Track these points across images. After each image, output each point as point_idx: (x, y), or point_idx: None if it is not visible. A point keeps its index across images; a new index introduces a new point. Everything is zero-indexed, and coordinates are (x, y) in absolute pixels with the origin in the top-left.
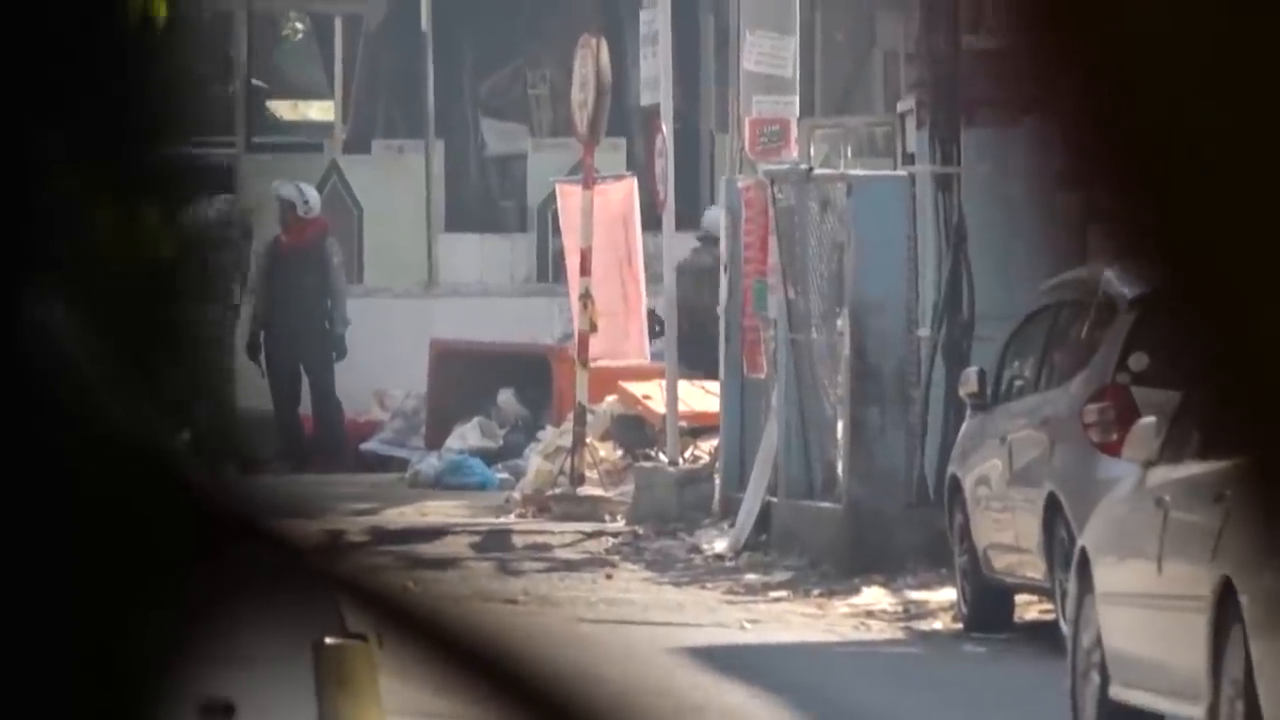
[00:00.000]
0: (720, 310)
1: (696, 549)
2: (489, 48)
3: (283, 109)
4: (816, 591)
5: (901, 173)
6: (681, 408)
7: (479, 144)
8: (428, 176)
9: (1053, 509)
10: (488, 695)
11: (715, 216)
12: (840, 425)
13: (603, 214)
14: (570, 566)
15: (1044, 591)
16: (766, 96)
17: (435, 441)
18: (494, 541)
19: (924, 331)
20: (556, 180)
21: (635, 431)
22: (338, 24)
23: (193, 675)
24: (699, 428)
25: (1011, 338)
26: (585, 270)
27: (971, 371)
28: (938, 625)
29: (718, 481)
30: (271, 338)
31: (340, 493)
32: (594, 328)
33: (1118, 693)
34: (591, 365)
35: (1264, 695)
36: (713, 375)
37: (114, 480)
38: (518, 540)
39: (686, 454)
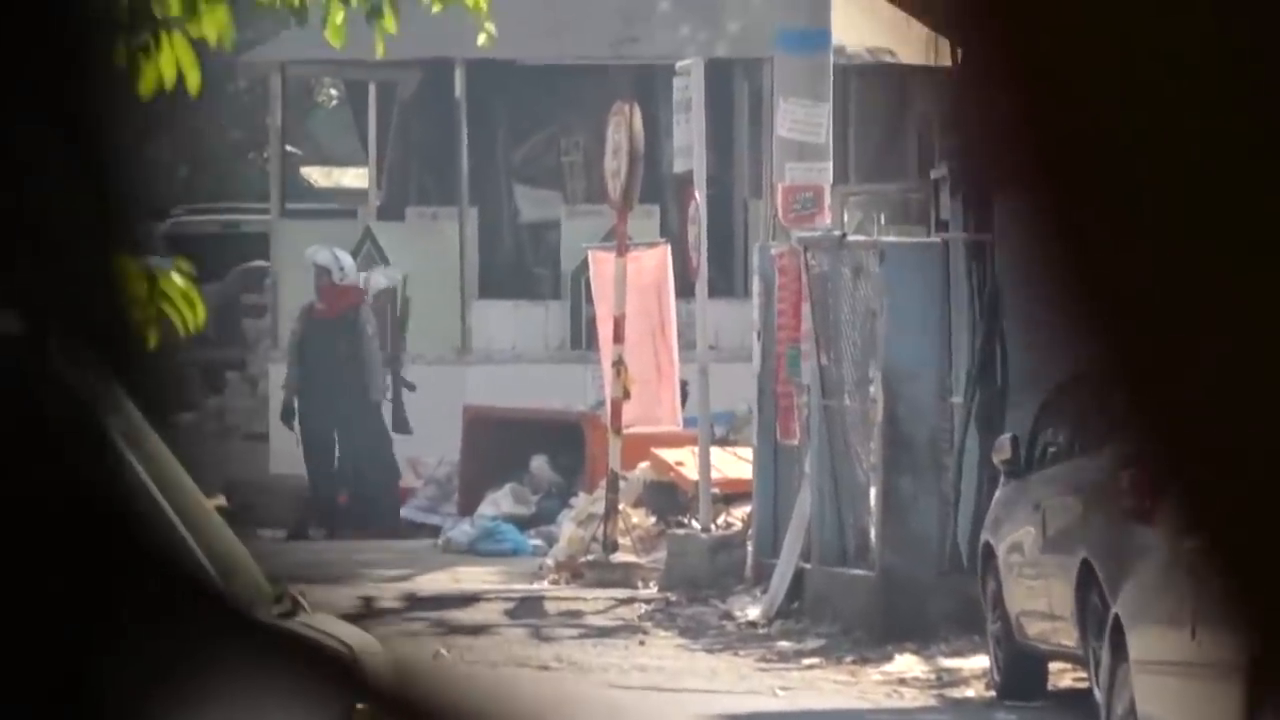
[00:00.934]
0: (753, 376)
1: (729, 615)
2: (522, 115)
3: (317, 175)
4: (849, 659)
5: (935, 239)
6: (714, 474)
7: (512, 211)
8: (461, 243)
9: (1086, 576)
10: None
11: None
12: (873, 492)
13: (636, 281)
14: (603, 633)
15: (1078, 659)
16: (800, 163)
17: (468, 508)
18: (527, 608)
19: (957, 398)
20: (590, 247)
21: (668, 498)
22: (372, 91)
23: None
24: (732, 494)
25: (1045, 405)
26: (619, 337)
27: (1005, 439)
28: (970, 693)
29: (750, 548)
30: (306, 403)
31: (373, 558)
32: (627, 395)
33: None
34: (624, 432)
35: None
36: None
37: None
38: (550, 607)
39: (719, 520)
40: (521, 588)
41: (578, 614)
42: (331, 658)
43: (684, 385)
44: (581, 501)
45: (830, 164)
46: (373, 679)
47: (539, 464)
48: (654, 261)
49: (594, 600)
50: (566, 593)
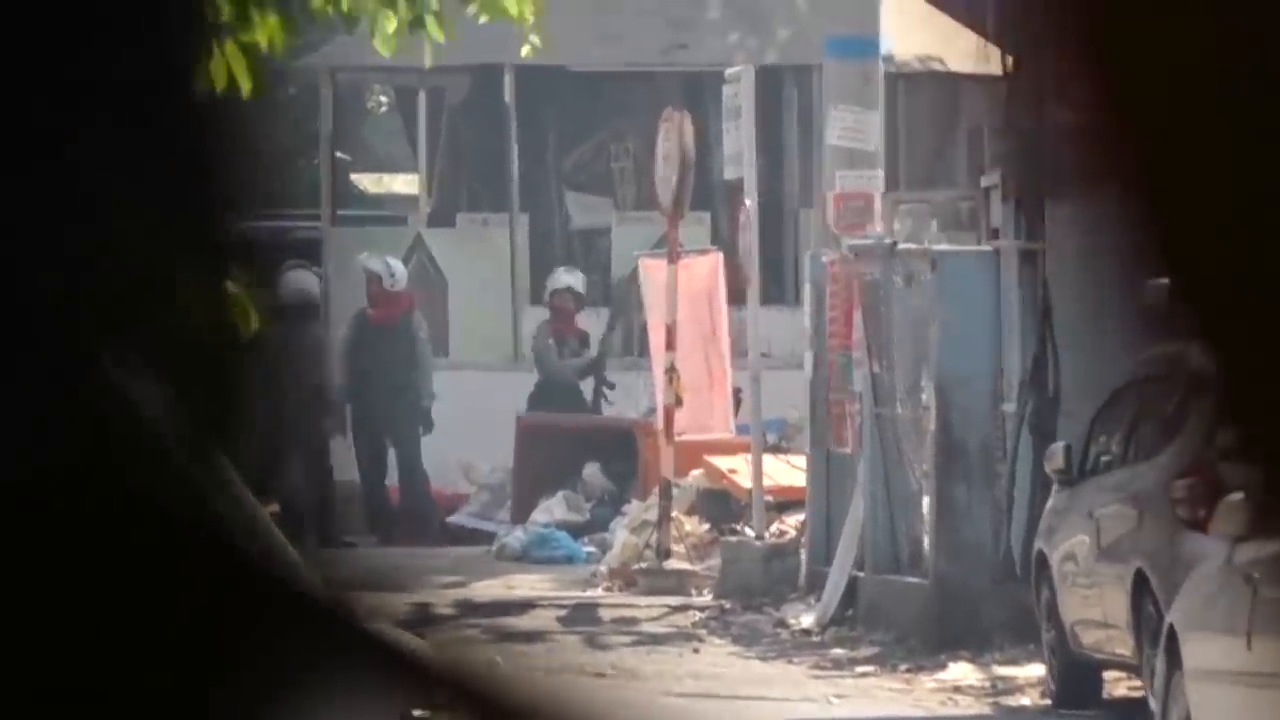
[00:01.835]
0: (805, 384)
1: (783, 623)
2: (572, 121)
3: (367, 182)
4: (904, 667)
5: (986, 247)
6: (767, 482)
7: (563, 217)
8: (512, 250)
9: (1141, 585)
10: None
11: None
12: (926, 500)
13: (687, 288)
14: (657, 640)
15: (1132, 668)
16: (850, 171)
17: (521, 515)
18: (581, 615)
19: (1009, 406)
20: (640, 254)
21: (721, 505)
22: (422, 98)
23: None
24: (785, 502)
25: (1098, 413)
26: (670, 345)
27: (1058, 447)
28: (1025, 701)
29: (804, 556)
30: (358, 411)
31: (427, 565)
32: (679, 402)
33: None
34: (677, 439)
35: None
36: None
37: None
38: (604, 614)
39: (772, 528)
40: (575, 595)
41: (631, 621)
42: (405, 659)
43: (738, 393)
44: (634, 509)
45: (881, 171)
46: (435, 684)
47: (592, 471)
48: (706, 269)
49: (647, 608)
50: (620, 600)
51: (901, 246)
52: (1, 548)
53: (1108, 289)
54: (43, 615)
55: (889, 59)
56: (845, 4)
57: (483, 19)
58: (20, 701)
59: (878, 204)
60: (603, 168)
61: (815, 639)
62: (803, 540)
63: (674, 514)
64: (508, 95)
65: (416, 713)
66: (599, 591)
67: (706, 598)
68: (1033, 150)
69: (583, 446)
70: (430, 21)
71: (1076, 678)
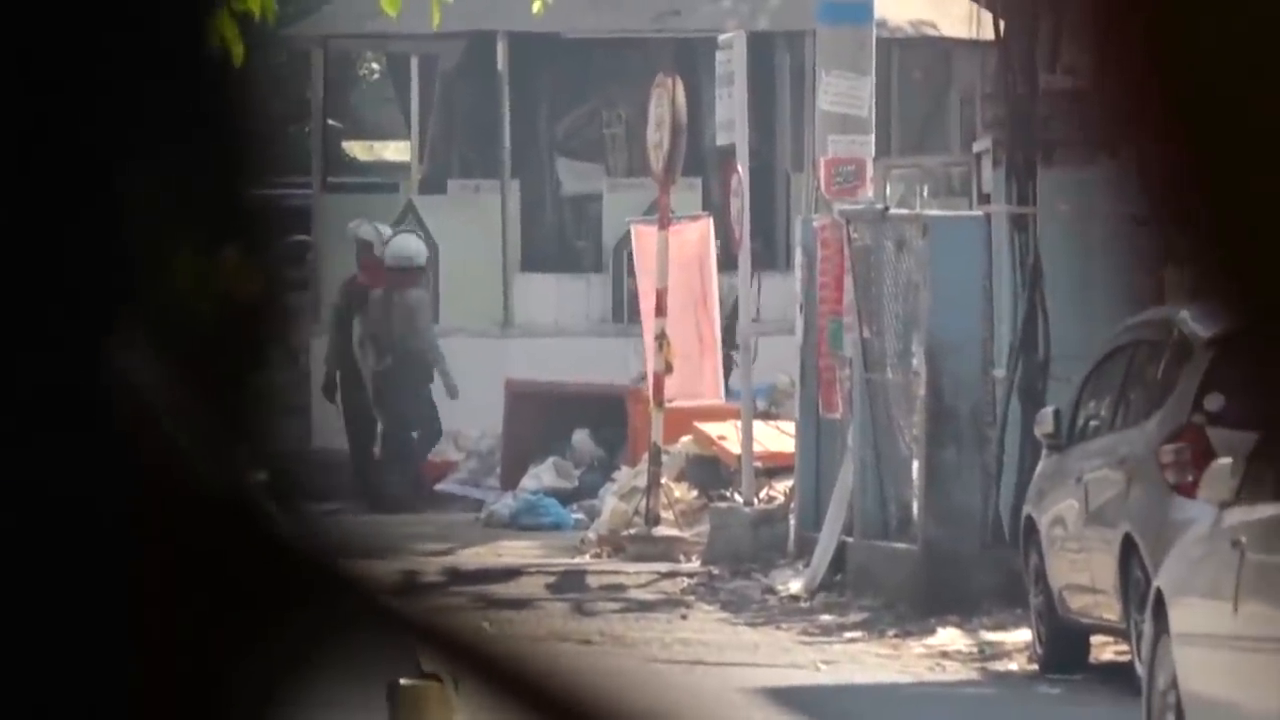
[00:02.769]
0: (796, 349)
1: (771, 590)
2: (564, 88)
3: (358, 149)
4: (892, 632)
5: (977, 213)
6: (756, 448)
7: (554, 184)
8: (504, 216)
9: (1128, 550)
10: None
11: None
12: (916, 465)
13: (678, 254)
14: (645, 607)
15: (1119, 633)
16: (842, 136)
17: (510, 482)
18: (569, 582)
19: (1000, 372)
20: (632, 221)
21: (710, 472)
22: (414, 64)
23: None
24: (774, 468)
25: (1087, 378)
26: (661, 311)
27: (1047, 411)
28: (1013, 666)
29: (793, 522)
30: (346, 378)
31: (415, 533)
32: (669, 368)
33: None
34: (667, 406)
35: None
36: None
37: (195, 527)
38: (592, 581)
39: (761, 494)
40: (563, 562)
41: (620, 588)
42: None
43: (730, 357)
44: (624, 475)
45: (872, 137)
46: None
47: (581, 438)
48: (696, 235)
49: (636, 574)
50: (608, 567)
51: (893, 211)
52: (2, 535)
53: (1098, 254)
54: (51, 604)
55: (881, 24)
56: None
57: None
58: (33, 694)
59: (869, 169)
60: (594, 134)
61: (804, 605)
62: (791, 506)
63: (663, 480)
64: (500, 62)
65: (404, 682)
66: (587, 558)
67: (695, 564)
68: (1024, 116)
69: (572, 412)
70: None
71: (1064, 642)
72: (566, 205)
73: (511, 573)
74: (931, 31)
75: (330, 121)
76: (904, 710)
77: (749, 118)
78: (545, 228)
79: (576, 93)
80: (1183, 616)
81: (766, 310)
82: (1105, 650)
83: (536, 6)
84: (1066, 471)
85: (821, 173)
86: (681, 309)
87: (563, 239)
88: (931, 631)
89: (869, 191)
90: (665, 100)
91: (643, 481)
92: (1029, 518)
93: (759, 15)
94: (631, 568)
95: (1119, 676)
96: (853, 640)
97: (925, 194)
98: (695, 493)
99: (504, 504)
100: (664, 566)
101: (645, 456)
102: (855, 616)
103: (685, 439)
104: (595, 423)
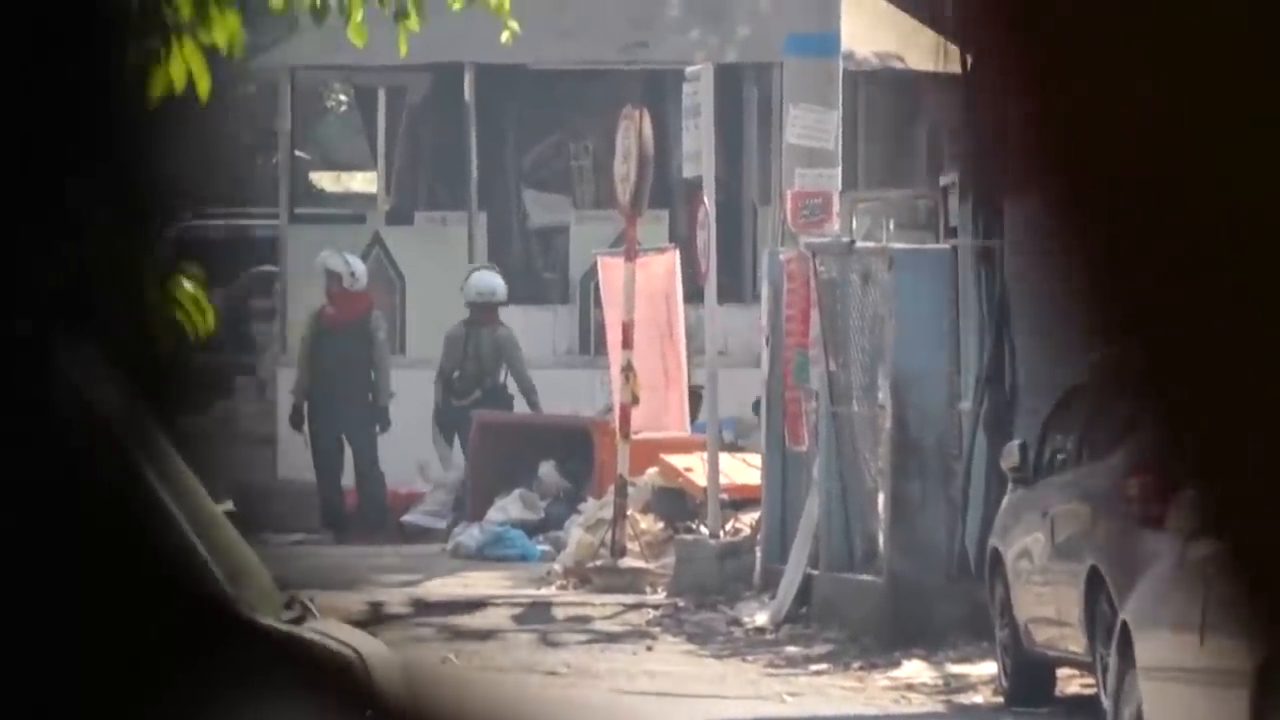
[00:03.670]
0: (762, 382)
1: (737, 621)
2: (531, 119)
3: (326, 180)
4: (857, 665)
5: (944, 246)
6: (723, 480)
7: (521, 216)
8: (470, 248)
9: (1094, 582)
10: None
11: None
12: (881, 498)
13: (645, 286)
14: (611, 638)
15: (1085, 665)
16: (809, 169)
17: (477, 513)
18: (535, 614)
19: (965, 404)
20: (598, 253)
21: (676, 504)
22: (381, 96)
23: None
24: (740, 500)
25: (1053, 411)
26: (627, 343)
27: (1014, 445)
28: (978, 699)
29: (759, 554)
30: (315, 408)
31: (381, 564)
32: (636, 400)
33: None
34: (633, 438)
35: None
36: None
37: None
38: (558, 612)
39: (728, 526)
40: (529, 593)
41: (585, 619)
42: (340, 664)
43: (698, 390)
44: (590, 507)
45: (839, 170)
46: (381, 685)
47: (547, 469)
48: (663, 267)
49: (602, 606)
50: (574, 598)
51: (859, 245)
52: None
53: (1064, 288)
54: None
55: (848, 57)
56: (805, 2)
57: (456, 5)
58: None
59: (836, 202)
60: (562, 166)
61: (769, 637)
62: (757, 538)
63: (629, 512)
64: (467, 93)
65: (369, 714)
66: (553, 590)
67: (661, 596)
68: (990, 149)
69: (538, 444)
70: (411, 11)
71: (1029, 675)
72: (533, 237)
73: (477, 604)
74: (898, 65)
75: (298, 152)
76: None
77: (716, 150)
78: (512, 259)
79: (543, 124)
80: (1149, 649)
81: (732, 342)
82: (1071, 683)
83: (505, 36)
84: (1032, 505)
85: (788, 205)
86: (648, 341)
87: (530, 271)
88: (897, 664)
89: (835, 224)
90: (632, 132)
91: (609, 513)
92: (995, 550)
93: (726, 47)
94: (597, 599)
95: (1085, 709)
96: (818, 672)
97: (892, 227)
98: (661, 524)
99: (470, 535)
100: (630, 598)
101: (611, 488)
102: (821, 649)
103: (651, 471)
104: (561, 454)
